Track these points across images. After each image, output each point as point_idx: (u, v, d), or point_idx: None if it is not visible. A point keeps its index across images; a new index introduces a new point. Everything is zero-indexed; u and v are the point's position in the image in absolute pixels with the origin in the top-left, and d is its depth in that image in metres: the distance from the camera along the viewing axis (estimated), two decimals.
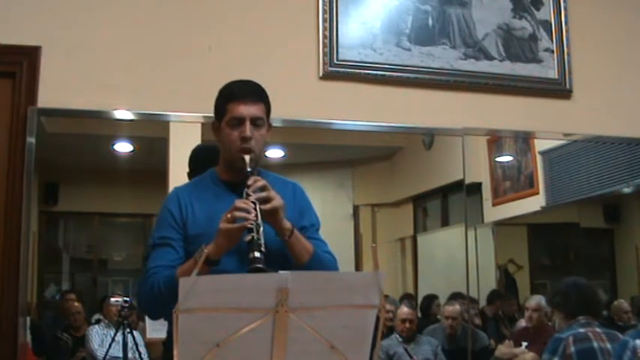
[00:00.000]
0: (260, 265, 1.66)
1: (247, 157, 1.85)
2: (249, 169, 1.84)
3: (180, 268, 1.79)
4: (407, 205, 3.64)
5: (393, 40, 3.30)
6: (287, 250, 1.84)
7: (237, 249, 1.79)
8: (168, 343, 1.94)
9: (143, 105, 2.96)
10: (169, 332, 1.96)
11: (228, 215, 1.73)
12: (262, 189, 1.79)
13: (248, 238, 1.70)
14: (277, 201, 1.81)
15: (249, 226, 1.71)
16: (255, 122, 1.89)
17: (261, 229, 1.72)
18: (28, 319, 2.79)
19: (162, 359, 2.11)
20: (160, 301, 1.76)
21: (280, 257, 1.82)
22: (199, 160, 2.16)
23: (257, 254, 1.67)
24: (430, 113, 3.31)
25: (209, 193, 1.92)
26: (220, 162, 1.98)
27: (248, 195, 1.77)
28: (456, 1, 3.42)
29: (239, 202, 1.75)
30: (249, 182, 1.80)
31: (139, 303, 1.92)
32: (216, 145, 2.00)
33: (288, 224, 1.83)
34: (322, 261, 1.91)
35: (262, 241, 1.70)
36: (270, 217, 1.78)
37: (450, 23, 3.39)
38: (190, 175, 2.37)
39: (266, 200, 1.79)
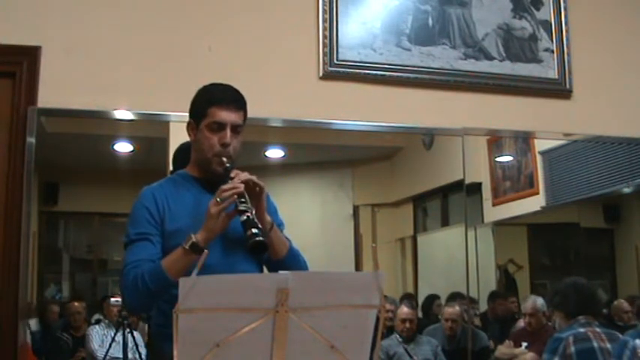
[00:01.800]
0: (261, 239, 1.70)
1: (225, 159, 1.88)
2: (228, 165, 1.87)
3: (166, 258, 1.78)
4: (407, 205, 3.64)
5: (393, 40, 3.30)
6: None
7: (220, 241, 1.82)
8: (151, 345, 1.95)
9: (143, 105, 2.97)
10: (150, 334, 1.97)
11: (217, 199, 1.76)
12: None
13: (243, 218, 1.74)
14: (262, 186, 1.85)
15: (242, 208, 1.74)
16: (236, 129, 1.91)
17: (254, 211, 1.76)
18: (36, 320, 2.81)
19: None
20: (145, 293, 1.76)
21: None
22: (182, 159, 2.16)
23: (255, 230, 1.71)
24: (430, 113, 3.31)
25: (183, 191, 1.94)
26: (192, 162, 1.99)
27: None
28: (456, 1, 3.42)
29: (225, 186, 1.78)
30: (232, 175, 1.83)
31: (122, 298, 1.92)
32: None
33: (268, 217, 1.88)
34: (298, 257, 1.96)
35: (257, 220, 1.74)
36: (254, 206, 1.81)
37: (450, 23, 3.39)
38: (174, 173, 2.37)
39: (253, 184, 1.82)
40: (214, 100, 1.91)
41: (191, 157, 2.00)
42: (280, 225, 2.01)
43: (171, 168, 2.46)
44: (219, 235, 1.80)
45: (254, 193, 1.83)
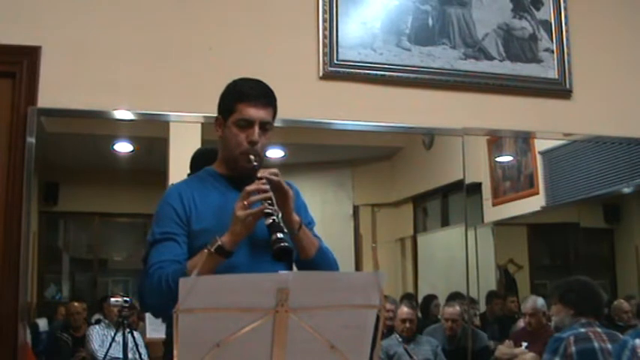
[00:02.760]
0: (286, 245, 1.66)
1: (252, 157, 1.85)
2: (255, 163, 1.84)
3: (192, 260, 1.76)
4: (407, 205, 3.64)
5: (393, 40, 3.30)
6: (294, 243, 1.82)
7: (247, 242, 1.78)
8: (168, 344, 1.92)
9: (143, 105, 2.96)
10: (168, 333, 1.94)
11: (244, 202, 1.72)
12: (275, 176, 1.80)
13: (269, 221, 1.70)
14: (289, 189, 1.82)
15: (268, 210, 1.70)
16: (264, 126, 1.87)
17: (280, 214, 1.72)
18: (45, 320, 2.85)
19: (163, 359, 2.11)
20: (168, 296, 1.68)
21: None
22: (201, 163, 2.14)
23: (280, 235, 1.67)
24: (430, 113, 3.31)
25: (210, 189, 1.91)
26: (219, 159, 1.96)
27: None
28: (456, 1, 3.42)
29: (250, 187, 1.73)
30: (260, 174, 1.79)
31: (142, 300, 1.88)
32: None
33: (297, 217, 1.84)
34: (327, 255, 1.92)
35: (282, 224, 1.70)
36: (281, 205, 1.78)
37: (450, 23, 3.39)
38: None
39: (279, 185, 1.79)
40: (243, 96, 1.86)
41: (218, 153, 1.96)
42: (310, 223, 1.97)
43: (188, 171, 2.45)
44: (246, 237, 1.76)
45: (281, 191, 1.80)
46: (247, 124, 1.85)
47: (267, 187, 1.75)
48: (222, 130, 1.91)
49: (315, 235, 1.95)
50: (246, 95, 1.86)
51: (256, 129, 1.85)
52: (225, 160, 1.93)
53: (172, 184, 1.94)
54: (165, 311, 1.90)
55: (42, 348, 2.93)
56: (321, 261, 1.88)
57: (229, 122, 1.87)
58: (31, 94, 2.83)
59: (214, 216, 1.82)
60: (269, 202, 1.72)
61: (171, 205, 1.85)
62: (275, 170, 1.82)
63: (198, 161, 2.27)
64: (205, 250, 1.71)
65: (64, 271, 3.28)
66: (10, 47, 2.84)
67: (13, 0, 2.91)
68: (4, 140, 2.81)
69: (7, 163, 2.79)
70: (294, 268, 1.90)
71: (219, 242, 1.70)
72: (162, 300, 1.75)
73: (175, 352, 1.26)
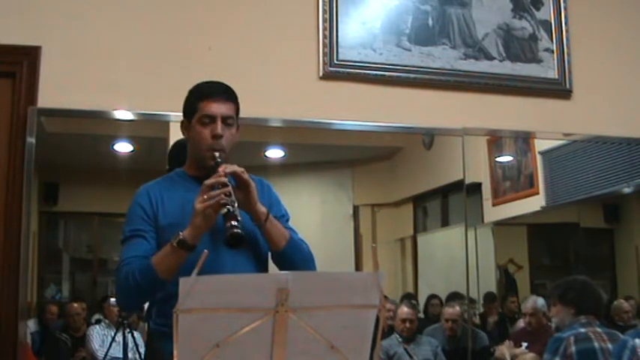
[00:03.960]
0: (239, 231, 1.69)
1: (217, 153, 1.88)
2: (219, 160, 1.87)
3: (156, 255, 1.79)
4: (407, 205, 3.64)
5: (393, 40, 3.30)
6: (263, 236, 1.87)
7: (208, 236, 1.80)
8: (150, 343, 1.95)
9: (143, 105, 2.97)
10: (149, 333, 1.97)
11: (204, 196, 1.76)
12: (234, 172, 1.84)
13: (223, 211, 1.73)
14: (250, 181, 1.85)
15: (224, 200, 1.73)
16: (226, 121, 1.91)
17: (236, 204, 1.75)
18: (35, 320, 2.86)
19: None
20: (136, 290, 1.77)
21: (253, 243, 1.86)
22: (181, 157, 2.16)
23: (234, 222, 1.71)
24: (430, 113, 3.31)
25: (178, 187, 1.94)
26: (188, 159, 2.00)
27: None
28: (456, 1, 3.42)
29: (209, 180, 1.77)
30: (220, 169, 1.82)
31: (116, 295, 1.93)
32: None
33: (263, 208, 1.87)
34: (300, 247, 1.94)
35: (237, 213, 1.73)
36: (245, 197, 1.81)
37: (450, 23, 3.39)
38: (169, 172, 2.37)
39: (240, 177, 1.82)
40: (203, 94, 1.93)
41: (187, 155, 2.01)
42: (283, 216, 2.00)
43: (167, 167, 2.46)
44: (208, 231, 1.79)
45: (243, 183, 1.84)
46: (210, 120, 1.90)
47: (225, 179, 1.79)
48: (188, 132, 1.96)
49: (289, 228, 1.97)
50: (206, 94, 1.93)
51: (219, 123, 1.90)
52: (193, 160, 1.97)
53: (143, 185, 1.98)
54: (134, 306, 1.93)
55: (36, 348, 2.93)
56: (292, 252, 1.90)
57: (193, 122, 1.92)
58: (31, 94, 2.83)
59: (180, 211, 1.86)
60: (227, 193, 1.75)
61: (139, 204, 1.90)
62: (235, 166, 1.85)
63: (177, 154, 2.28)
64: (168, 245, 1.75)
65: (64, 271, 3.28)
66: (10, 47, 2.84)
67: (13, 0, 2.91)
68: (4, 140, 2.81)
69: (7, 163, 2.79)
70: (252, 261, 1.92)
71: (181, 236, 1.74)
72: (130, 295, 1.82)
73: (175, 352, 1.26)
